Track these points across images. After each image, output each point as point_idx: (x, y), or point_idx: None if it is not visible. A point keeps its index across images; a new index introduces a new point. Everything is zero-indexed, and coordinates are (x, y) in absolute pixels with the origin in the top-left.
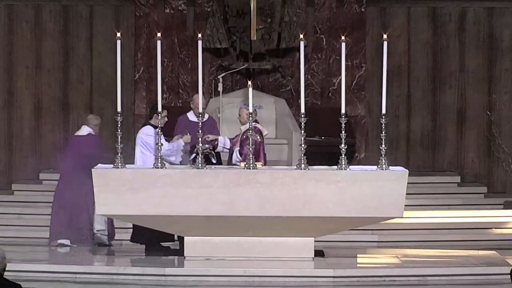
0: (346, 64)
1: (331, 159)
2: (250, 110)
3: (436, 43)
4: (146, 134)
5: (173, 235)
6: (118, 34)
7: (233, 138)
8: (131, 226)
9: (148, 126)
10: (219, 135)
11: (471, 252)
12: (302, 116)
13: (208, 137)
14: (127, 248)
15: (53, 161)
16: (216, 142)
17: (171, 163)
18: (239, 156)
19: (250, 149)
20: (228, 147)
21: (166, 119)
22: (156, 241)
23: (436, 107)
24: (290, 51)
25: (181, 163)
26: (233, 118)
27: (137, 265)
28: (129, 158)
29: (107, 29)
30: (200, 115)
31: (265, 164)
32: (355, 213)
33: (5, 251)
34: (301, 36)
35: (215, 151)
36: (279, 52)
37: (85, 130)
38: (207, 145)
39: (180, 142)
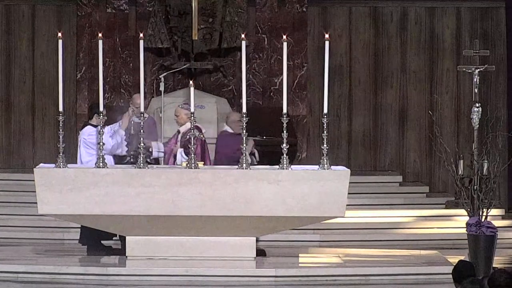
0: (287, 64)
1: (272, 158)
2: (192, 109)
3: (377, 43)
4: (88, 134)
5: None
6: (60, 34)
7: (168, 142)
8: (78, 226)
9: (89, 126)
10: (157, 135)
11: (413, 251)
12: (244, 115)
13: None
14: (69, 248)
15: None
16: (150, 149)
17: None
18: (185, 156)
19: (192, 148)
20: (163, 151)
21: (105, 117)
22: (97, 240)
23: (377, 106)
24: (232, 51)
25: (127, 152)
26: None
27: (79, 264)
28: (72, 157)
29: (50, 29)
30: (142, 115)
31: (210, 162)
32: (296, 213)
33: None
34: (243, 36)
35: (152, 157)
36: (221, 52)
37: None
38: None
39: (120, 132)
